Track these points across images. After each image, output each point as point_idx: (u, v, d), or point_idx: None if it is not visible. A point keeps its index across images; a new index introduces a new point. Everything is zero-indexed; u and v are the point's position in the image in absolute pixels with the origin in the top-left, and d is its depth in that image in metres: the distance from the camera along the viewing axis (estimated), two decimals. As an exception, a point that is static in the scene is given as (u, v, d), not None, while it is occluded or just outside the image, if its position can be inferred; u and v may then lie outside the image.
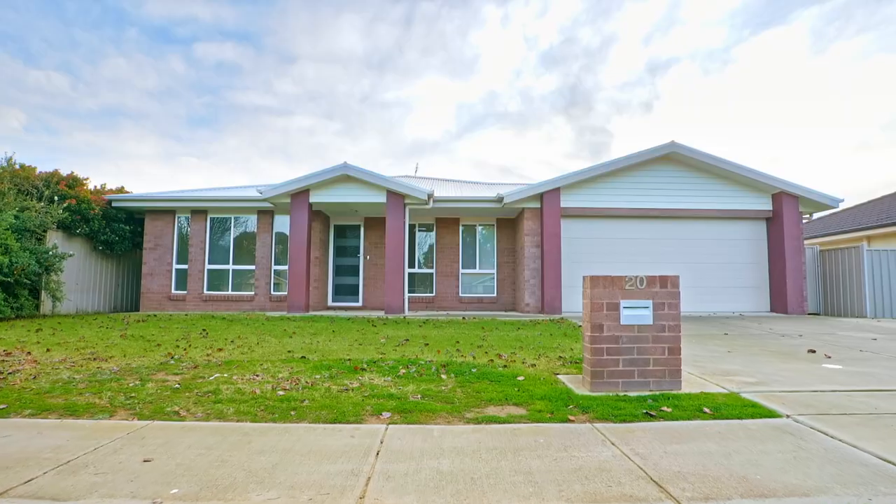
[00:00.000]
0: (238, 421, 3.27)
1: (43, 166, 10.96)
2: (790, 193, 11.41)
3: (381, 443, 2.85)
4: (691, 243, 11.93)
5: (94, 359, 5.27)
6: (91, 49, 34.96)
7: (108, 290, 12.77)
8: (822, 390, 4.05)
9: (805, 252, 12.27)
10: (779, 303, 11.41)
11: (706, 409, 3.48)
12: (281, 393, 3.88)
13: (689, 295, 11.56)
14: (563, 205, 11.58)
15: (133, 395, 3.84)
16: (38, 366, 4.85)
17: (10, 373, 4.49)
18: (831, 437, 2.94)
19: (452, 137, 54.48)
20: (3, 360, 5.08)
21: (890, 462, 2.54)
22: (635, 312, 4.07)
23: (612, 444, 2.85)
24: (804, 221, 12.23)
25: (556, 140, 53.88)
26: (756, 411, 3.47)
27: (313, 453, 2.68)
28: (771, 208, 11.74)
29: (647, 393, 3.94)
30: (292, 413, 3.41)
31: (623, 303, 4.07)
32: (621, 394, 3.91)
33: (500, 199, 11.63)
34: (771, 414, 3.41)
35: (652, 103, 47.79)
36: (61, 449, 2.72)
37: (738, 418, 3.33)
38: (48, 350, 5.79)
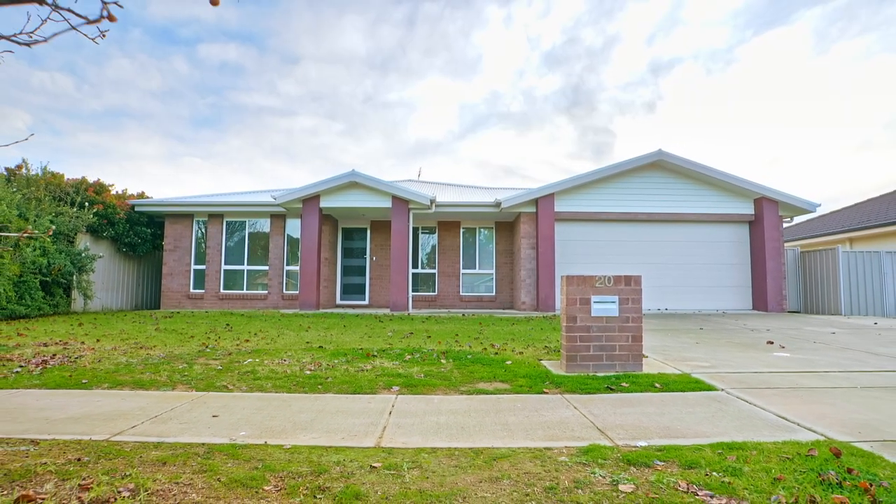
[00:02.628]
0: (276, 392, 4.06)
1: (49, 167, 11.75)
2: (770, 198, 12.15)
3: (393, 406, 3.64)
4: (678, 245, 12.67)
5: (141, 347, 6.08)
6: (95, 50, 35.77)
7: (130, 288, 13.62)
8: (762, 372, 4.82)
9: (786, 253, 13.00)
10: (760, 301, 12.14)
11: (657, 385, 4.25)
12: (307, 372, 4.67)
13: (675, 294, 12.33)
14: (556, 209, 12.35)
15: (185, 374, 4.64)
16: (96, 353, 5.66)
17: (76, 357, 5.30)
18: (748, 402, 3.71)
19: (455, 138, 55.22)
20: (65, 348, 5.89)
21: (782, 417, 3.31)
22: (604, 306, 4.84)
23: (575, 407, 3.63)
24: (785, 225, 12.94)
25: (558, 140, 54.54)
26: (698, 386, 4.23)
27: (340, 412, 3.47)
28: (753, 212, 12.48)
29: (612, 373, 4.71)
30: (319, 387, 4.20)
31: (594, 298, 4.84)
32: (591, 374, 4.68)
33: (498, 204, 12.40)
34: (709, 388, 4.18)
35: (655, 103, 48.40)
36: (146, 409, 3.52)
37: (682, 391, 4.10)
38: (98, 340, 6.60)
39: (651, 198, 12.55)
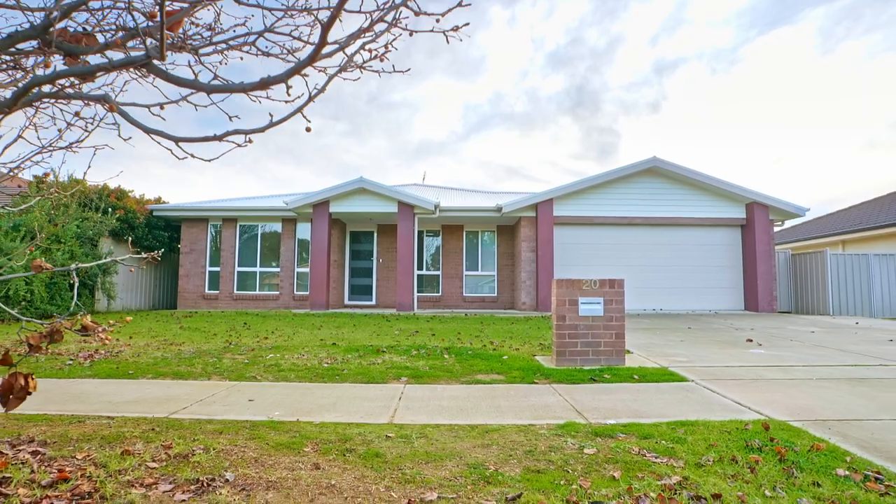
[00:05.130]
0: (300, 382, 4.64)
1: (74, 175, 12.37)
2: (761, 203, 12.63)
3: (402, 392, 4.20)
4: (673, 248, 13.17)
5: (171, 344, 6.69)
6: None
7: (149, 289, 14.28)
8: (733, 366, 5.35)
9: (778, 256, 13.47)
10: (751, 302, 12.63)
11: (635, 376, 4.80)
12: (325, 365, 5.25)
13: (669, 295, 12.84)
14: (555, 214, 12.89)
15: (217, 366, 5.23)
16: (133, 348, 6.27)
17: (117, 352, 5.91)
18: (712, 391, 4.25)
19: (459, 138, 55.80)
20: (104, 344, 6.50)
21: (736, 402, 3.85)
22: (590, 307, 5.39)
23: (559, 394, 4.18)
24: (782, 227, 13.42)
25: (562, 140, 55.04)
26: (672, 378, 4.78)
27: (357, 398, 4.04)
28: (744, 216, 12.97)
29: (597, 367, 5.25)
30: (337, 377, 4.77)
31: (581, 299, 5.39)
32: (578, 367, 5.23)
33: (499, 209, 12.96)
34: (681, 379, 4.72)
35: (659, 103, 48.83)
36: (190, 395, 4.11)
37: (656, 382, 4.64)
38: (130, 337, 7.22)
39: (647, 202, 13.06)
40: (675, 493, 2.16)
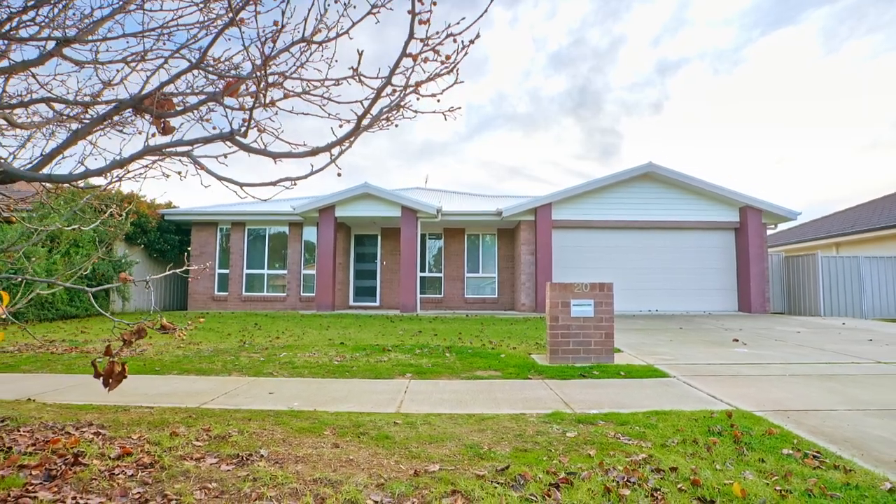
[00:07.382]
0: (313, 377, 5.05)
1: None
2: (754, 207, 13.00)
3: (407, 387, 4.61)
4: (669, 251, 13.55)
5: (189, 343, 7.11)
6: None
7: (159, 291, 14.74)
8: (714, 363, 5.74)
9: (771, 258, 13.83)
10: (744, 303, 13.00)
11: (622, 373, 5.20)
12: (336, 362, 5.67)
13: (665, 296, 13.22)
14: (554, 218, 13.29)
15: (235, 364, 5.65)
16: (154, 347, 6.70)
17: (140, 351, 6.34)
18: (691, 386, 4.65)
19: (462, 139, 56.26)
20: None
21: (711, 395, 4.25)
22: (581, 308, 5.79)
23: (551, 388, 4.58)
24: (769, 231, 13.77)
25: (564, 141, 55.45)
26: (656, 374, 5.17)
27: (366, 391, 4.45)
28: (738, 220, 13.34)
29: (587, 364, 5.65)
30: (347, 373, 5.18)
31: (573, 301, 5.79)
32: (570, 364, 5.63)
33: (499, 213, 13.36)
34: (664, 375, 5.12)
35: (661, 104, 49.18)
36: (215, 388, 4.52)
37: (640, 378, 5.03)
38: (150, 337, 7.65)
39: (643, 206, 13.45)
40: (640, 467, 2.56)
